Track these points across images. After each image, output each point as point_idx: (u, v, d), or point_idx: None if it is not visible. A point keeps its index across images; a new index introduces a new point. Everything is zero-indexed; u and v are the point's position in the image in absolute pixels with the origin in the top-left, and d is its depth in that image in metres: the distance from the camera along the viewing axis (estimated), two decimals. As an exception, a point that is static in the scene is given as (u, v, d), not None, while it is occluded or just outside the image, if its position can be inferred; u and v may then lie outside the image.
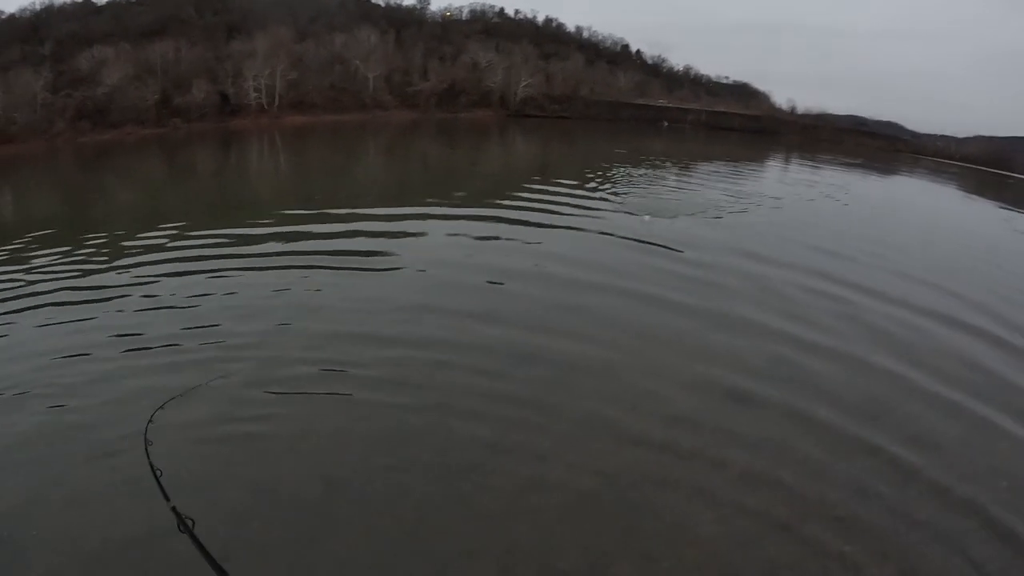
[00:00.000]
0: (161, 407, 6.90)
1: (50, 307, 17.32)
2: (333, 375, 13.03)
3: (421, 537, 8.50)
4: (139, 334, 15.26)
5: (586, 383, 13.02)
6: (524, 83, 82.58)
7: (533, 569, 8.03)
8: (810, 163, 60.18)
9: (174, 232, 24.69)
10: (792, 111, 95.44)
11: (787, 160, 63.64)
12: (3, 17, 71.59)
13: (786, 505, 9.49)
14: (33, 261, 21.65)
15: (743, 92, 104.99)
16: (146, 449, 4.59)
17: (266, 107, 70.08)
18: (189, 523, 3.17)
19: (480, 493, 9.39)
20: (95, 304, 17.49)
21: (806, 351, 15.20)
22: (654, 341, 15.47)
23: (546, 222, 26.71)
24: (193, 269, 20.18)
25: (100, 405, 11.92)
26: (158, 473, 3.89)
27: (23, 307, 17.38)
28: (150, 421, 5.95)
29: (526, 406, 11.88)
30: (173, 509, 3.24)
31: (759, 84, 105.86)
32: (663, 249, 22.96)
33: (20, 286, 19.13)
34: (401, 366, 13.34)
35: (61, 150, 56.93)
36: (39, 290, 18.72)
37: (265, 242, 23.31)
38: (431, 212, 28.71)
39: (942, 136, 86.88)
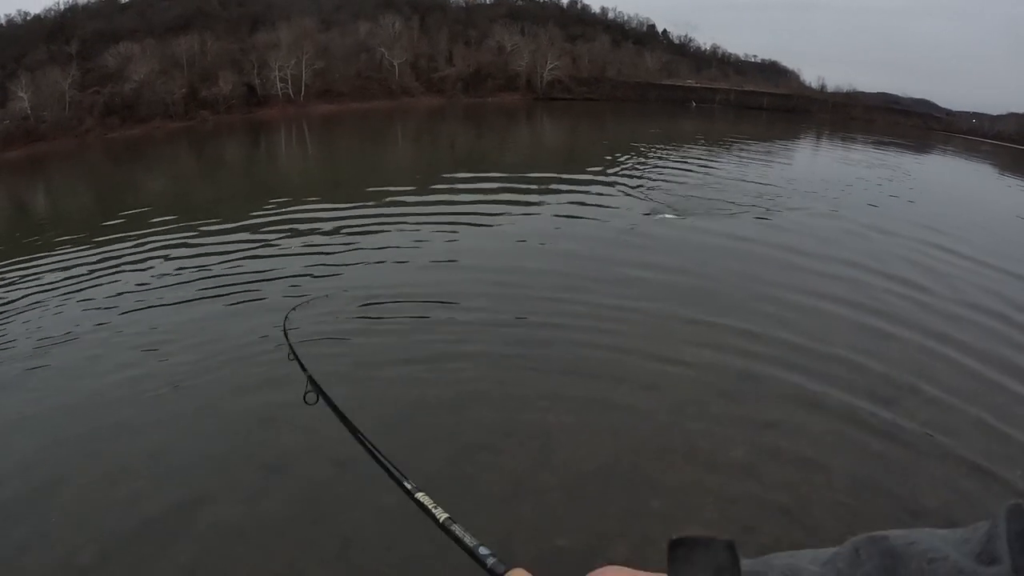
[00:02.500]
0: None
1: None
2: (360, 348, 13.17)
3: (425, 517, 7.95)
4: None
5: (597, 365, 12.57)
6: (551, 66, 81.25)
7: (533, 548, 7.84)
8: (849, 143, 57.63)
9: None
10: (822, 89, 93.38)
11: (821, 139, 61.44)
12: (28, 18, 71.99)
13: (791, 489, 9.09)
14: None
15: (772, 71, 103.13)
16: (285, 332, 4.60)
17: (293, 97, 69.66)
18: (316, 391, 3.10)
19: (485, 473, 9.25)
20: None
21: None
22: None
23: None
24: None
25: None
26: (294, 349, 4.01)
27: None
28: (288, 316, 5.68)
29: (540, 384, 11.67)
30: (310, 378, 3.13)
31: (787, 62, 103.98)
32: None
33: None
34: (414, 343, 13.30)
35: (91, 146, 57.26)
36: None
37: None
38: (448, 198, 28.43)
39: (976, 113, 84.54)
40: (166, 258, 19.90)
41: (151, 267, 19.13)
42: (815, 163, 44.71)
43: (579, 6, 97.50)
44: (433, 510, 1.95)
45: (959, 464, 9.98)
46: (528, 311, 14.71)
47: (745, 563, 0.93)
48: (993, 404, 11.33)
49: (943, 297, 16.70)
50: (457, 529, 1.74)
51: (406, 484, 2.15)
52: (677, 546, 0.93)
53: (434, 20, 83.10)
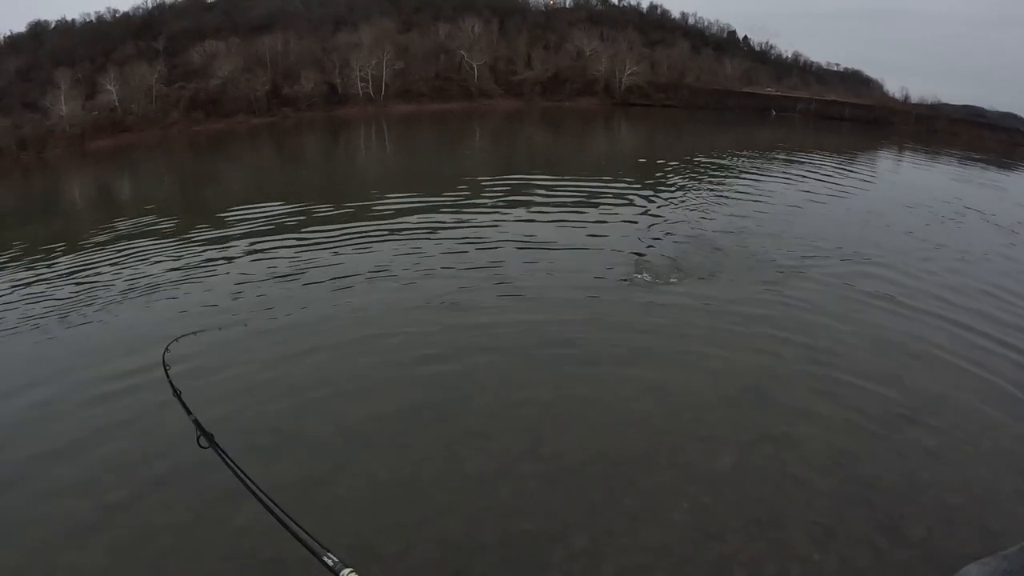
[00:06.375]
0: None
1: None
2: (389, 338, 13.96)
3: (413, 489, 9.28)
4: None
5: (603, 369, 12.96)
6: (629, 71, 79.64)
7: (498, 528, 8.49)
8: (935, 158, 53.11)
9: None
10: (905, 100, 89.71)
11: (906, 152, 56.96)
12: (117, 15, 73.71)
13: (768, 503, 9.08)
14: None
15: (854, 80, 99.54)
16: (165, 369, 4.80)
17: (373, 96, 69.79)
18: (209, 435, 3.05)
19: (475, 457, 9.94)
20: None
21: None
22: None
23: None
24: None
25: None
26: (179, 391, 3.93)
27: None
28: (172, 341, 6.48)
29: (544, 380, 12.26)
30: (195, 422, 3.11)
31: (871, 72, 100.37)
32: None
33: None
34: (436, 335, 14.11)
35: (176, 139, 58.44)
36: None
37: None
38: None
39: (1066, 129, 80.00)
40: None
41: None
42: (918, 183, 38.38)
43: (659, 11, 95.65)
44: None
45: (951, 495, 9.37)
46: (550, 318, 15.04)
47: None
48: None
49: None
50: None
51: (327, 559, 1.91)
52: None
53: (513, 23, 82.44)
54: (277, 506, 2.30)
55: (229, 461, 2.70)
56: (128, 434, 10.62)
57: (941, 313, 15.46)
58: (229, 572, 8.00)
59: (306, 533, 2.05)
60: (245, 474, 2.56)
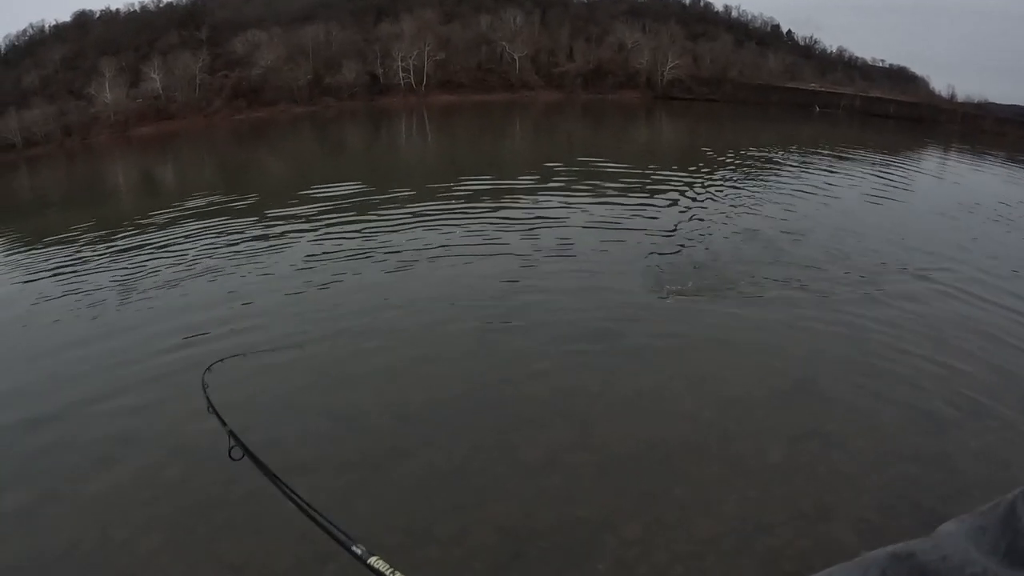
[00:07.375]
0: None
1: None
2: (432, 326, 13.95)
3: (467, 475, 9.35)
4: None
5: (653, 359, 12.82)
6: (671, 64, 78.59)
7: (552, 515, 8.50)
8: (992, 160, 49.25)
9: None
10: (952, 98, 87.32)
11: (952, 153, 54.47)
12: (161, 5, 74.46)
13: (816, 497, 8.97)
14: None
15: (900, 76, 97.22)
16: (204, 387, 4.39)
17: (414, 87, 69.93)
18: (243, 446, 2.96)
19: (526, 445, 9.93)
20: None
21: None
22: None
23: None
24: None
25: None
26: (213, 406, 3.73)
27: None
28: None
29: (597, 371, 12.12)
30: (230, 433, 3.02)
31: (917, 68, 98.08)
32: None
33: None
34: (487, 323, 14.11)
35: (219, 127, 58.81)
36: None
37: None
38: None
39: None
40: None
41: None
42: (970, 184, 35.04)
43: (702, 4, 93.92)
44: None
45: (996, 495, 8.52)
46: (600, 308, 14.76)
47: None
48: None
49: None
50: None
51: (354, 549, 1.99)
52: None
53: (555, 15, 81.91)
54: (305, 503, 2.33)
55: (262, 466, 2.71)
56: (183, 412, 10.38)
57: (1002, 319, 14.72)
58: (283, 551, 7.79)
59: (335, 527, 2.11)
60: (278, 477, 2.55)
